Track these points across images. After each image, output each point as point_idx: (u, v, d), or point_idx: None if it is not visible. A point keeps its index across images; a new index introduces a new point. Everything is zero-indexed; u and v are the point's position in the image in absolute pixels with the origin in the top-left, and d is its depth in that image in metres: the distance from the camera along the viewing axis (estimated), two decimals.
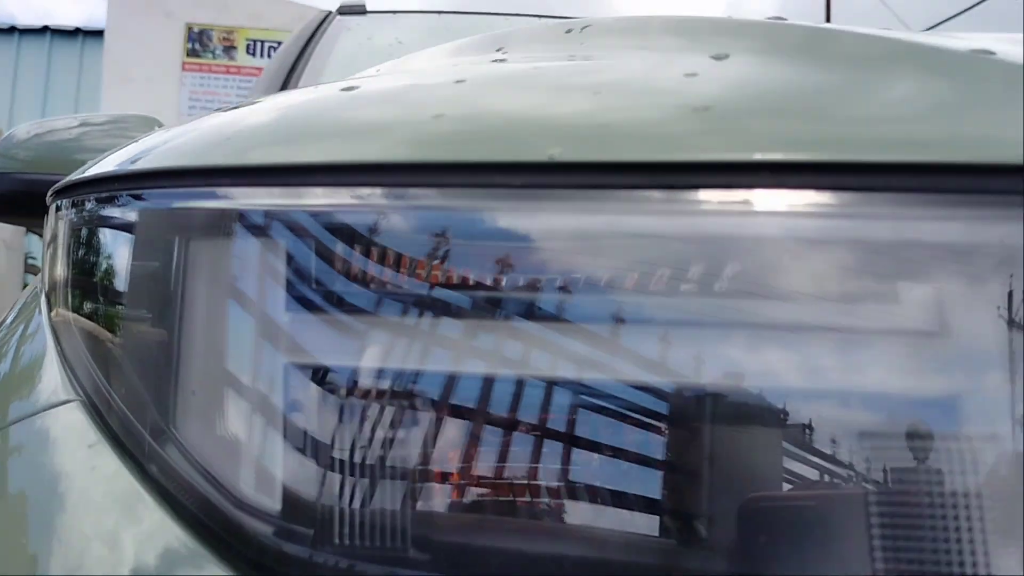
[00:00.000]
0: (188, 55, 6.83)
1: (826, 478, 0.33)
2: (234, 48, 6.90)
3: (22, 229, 5.32)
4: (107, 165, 0.51)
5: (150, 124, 1.70)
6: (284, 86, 1.82)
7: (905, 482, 0.32)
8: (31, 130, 1.64)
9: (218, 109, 0.55)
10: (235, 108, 0.52)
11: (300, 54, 2.05)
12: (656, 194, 0.34)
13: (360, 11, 2.48)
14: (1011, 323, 0.32)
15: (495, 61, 0.57)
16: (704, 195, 0.34)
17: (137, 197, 0.46)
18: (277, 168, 0.40)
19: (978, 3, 11.28)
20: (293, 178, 0.40)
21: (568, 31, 0.58)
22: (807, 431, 0.33)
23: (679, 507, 0.34)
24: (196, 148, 0.46)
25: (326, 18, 2.38)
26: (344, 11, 2.47)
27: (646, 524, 0.34)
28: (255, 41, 6.97)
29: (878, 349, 0.33)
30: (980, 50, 0.40)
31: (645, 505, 0.34)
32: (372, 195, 0.38)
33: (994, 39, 0.43)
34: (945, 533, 0.31)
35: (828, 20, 12.75)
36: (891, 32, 0.45)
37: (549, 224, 0.36)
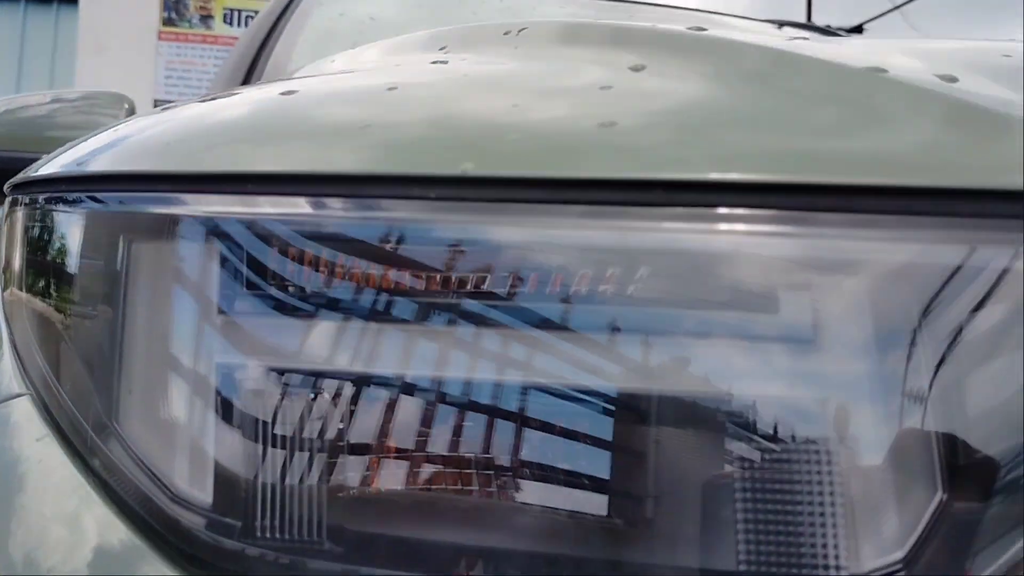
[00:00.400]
0: (164, 24, 6.75)
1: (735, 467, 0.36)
2: (211, 17, 6.82)
3: None
4: (60, 164, 0.53)
5: (120, 102, 1.70)
6: (254, 64, 1.82)
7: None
8: (2, 106, 1.64)
9: (164, 108, 0.57)
10: (180, 108, 0.54)
11: (271, 30, 2.04)
12: (556, 208, 0.37)
13: None
14: (879, 334, 0.35)
15: (434, 63, 0.59)
16: (597, 210, 0.36)
17: (86, 198, 0.48)
18: (212, 176, 0.42)
19: None
20: (227, 185, 0.42)
21: (506, 33, 0.60)
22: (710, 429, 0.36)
23: (595, 498, 0.36)
24: (140, 152, 0.48)
25: None
26: None
27: (554, 518, 0.37)
28: (232, 10, 6.89)
29: (754, 354, 0.36)
30: (874, 67, 0.42)
31: (556, 498, 0.37)
32: (300, 204, 0.40)
33: (898, 50, 0.46)
34: (814, 519, 0.34)
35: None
36: (797, 46, 0.47)
37: (463, 234, 0.38)
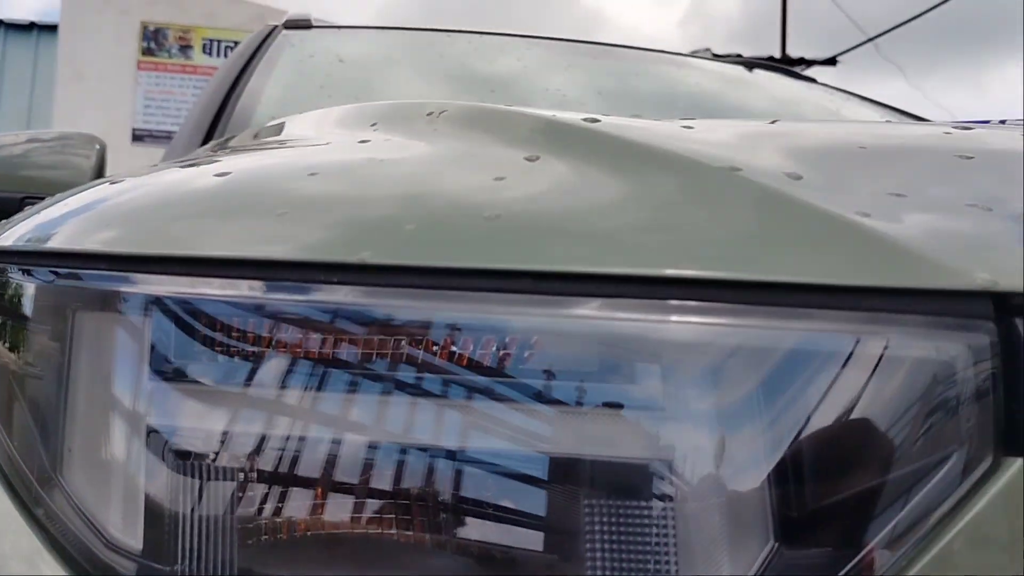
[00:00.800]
0: (143, 53, 6.80)
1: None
2: (190, 47, 6.88)
3: None
4: (12, 238, 0.58)
5: (92, 143, 1.75)
6: (225, 103, 1.87)
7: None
8: None
9: (108, 179, 0.63)
10: (122, 183, 0.60)
11: (244, 68, 2.09)
12: (442, 293, 0.42)
13: (306, 26, 2.51)
14: (721, 405, 0.41)
15: (361, 142, 0.64)
16: (478, 296, 0.42)
17: (35, 272, 0.53)
18: (145, 257, 0.48)
19: (931, 9, 11.56)
20: (159, 266, 0.47)
21: (429, 113, 0.66)
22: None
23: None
24: (83, 230, 0.53)
25: (271, 32, 2.40)
26: (290, 25, 2.49)
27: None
28: (212, 40, 6.95)
29: (611, 420, 0.41)
30: (730, 167, 0.48)
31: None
32: (223, 285, 0.46)
33: (746, 146, 0.52)
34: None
35: (784, 21, 12.97)
36: (675, 141, 0.53)
37: (362, 315, 0.43)
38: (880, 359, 0.40)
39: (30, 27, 10.68)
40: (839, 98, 2.32)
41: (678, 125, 0.60)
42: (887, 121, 1.77)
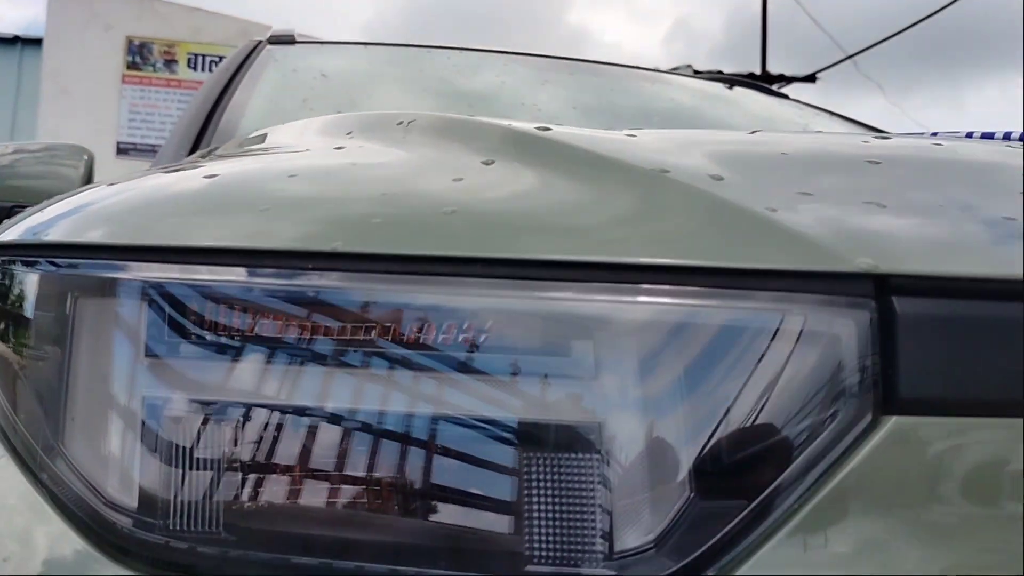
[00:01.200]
0: (128, 67, 6.86)
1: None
2: (175, 62, 6.95)
3: None
4: (16, 232, 0.63)
5: (80, 153, 1.79)
6: (210, 116, 1.92)
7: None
8: None
9: (102, 184, 0.68)
10: (117, 185, 0.65)
11: (228, 83, 2.15)
12: (407, 277, 0.49)
13: (289, 41, 2.56)
14: (645, 373, 0.47)
15: (336, 148, 0.71)
16: (437, 279, 0.48)
17: (38, 262, 0.59)
18: (138, 248, 0.54)
19: (908, 28, 11.78)
20: (151, 255, 0.53)
21: (399, 123, 0.72)
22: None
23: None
24: (82, 224, 0.59)
25: (256, 47, 2.46)
26: (274, 41, 2.54)
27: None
28: (196, 55, 7.02)
29: (551, 387, 0.47)
30: (660, 170, 0.54)
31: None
32: (211, 272, 0.51)
33: (679, 152, 0.59)
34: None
35: (764, 39, 13.16)
36: (615, 147, 0.60)
37: (335, 296, 0.50)
38: (778, 332, 0.47)
39: (14, 41, 10.72)
40: (809, 113, 2.41)
41: (622, 134, 0.66)
42: (818, 132, 1.86)
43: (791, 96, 2.84)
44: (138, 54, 6.94)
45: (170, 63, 6.97)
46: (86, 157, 1.78)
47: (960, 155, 0.67)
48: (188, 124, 1.98)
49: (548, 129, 0.63)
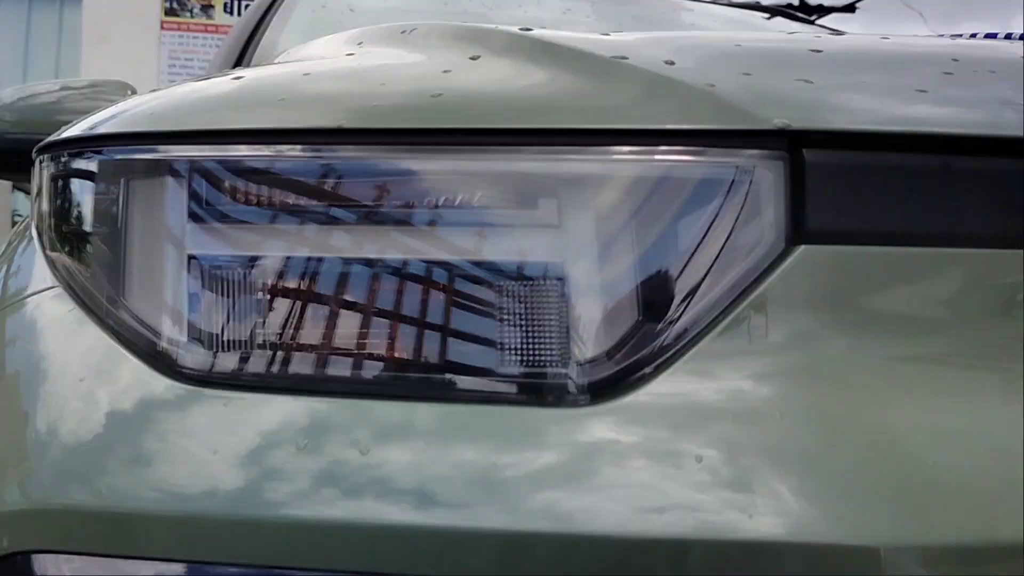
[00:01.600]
0: (166, 14, 6.97)
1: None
2: (212, 7, 7.04)
3: (8, 185, 5.53)
4: (78, 129, 0.74)
5: (124, 89, 1.91)
6: (243, 54, 2.02)
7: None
8: (16, 94, 1.81)
9: (154, 89, 0.79)
10: (160, 90, 0.76)
11: (260, 21, 2.24)
12: (400, 147, 0.59)
13: None
14: (601, 222, 0.57)
15: (348, 54, 0.81)
16: (427, 148, 0.58)
17: (97, 152, 0.70)
18: (181, 132, 0.64)
19: None
20: (192, 139, 0.64)
21: (403, 32, 0.82)
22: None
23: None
24: (132, 120, 0.70)
25: None
26: None
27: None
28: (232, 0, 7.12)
29: (522, 235, 0.57)
30: (620, 57, 0.63)
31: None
32: (240, 149, 0.62)
33: (643, 46, 0.67)
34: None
35: None
36: (583, 44, 0.69)
37: (341, 164, 0.60)
38: (710, 182, 0.57)
39: None
40: (826, 35, 2.44)
41: (597, 35, 0.75)
42: (791, 32, 1.90)
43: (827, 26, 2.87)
44: (175, 0, 7.05)
45: (207, 8, 7.07)
46: (130, 92, 1.89)
47: (901, 47, 0.75)
48: (221, 64, 2.08)
49: (530, 30, 0.72)
